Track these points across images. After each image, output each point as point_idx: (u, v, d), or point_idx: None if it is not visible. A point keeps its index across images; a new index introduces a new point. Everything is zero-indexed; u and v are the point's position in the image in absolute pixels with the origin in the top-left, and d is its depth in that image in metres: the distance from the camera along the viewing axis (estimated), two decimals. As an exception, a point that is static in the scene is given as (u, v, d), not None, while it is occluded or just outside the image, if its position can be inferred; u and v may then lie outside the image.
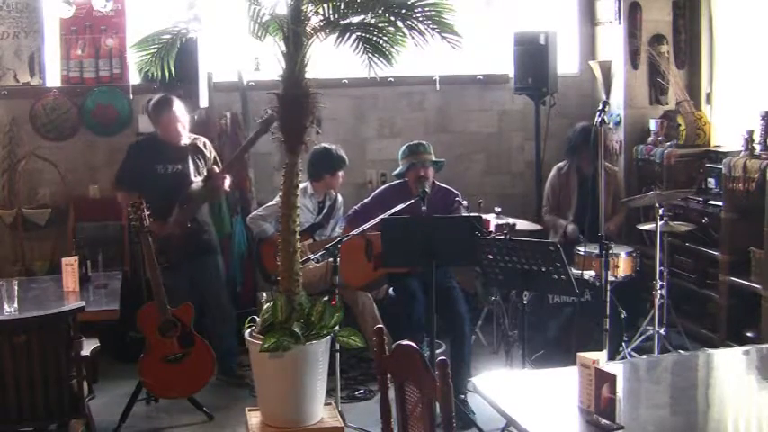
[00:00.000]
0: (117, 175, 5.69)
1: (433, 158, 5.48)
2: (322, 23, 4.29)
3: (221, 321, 5.61)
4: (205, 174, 5.50)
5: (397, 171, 5.55)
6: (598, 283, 5.28)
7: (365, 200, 5.75)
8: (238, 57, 6.35)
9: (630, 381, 3.21)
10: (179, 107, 5.47)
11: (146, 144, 5.64)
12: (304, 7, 4.24)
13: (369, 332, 5.03)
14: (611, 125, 6.70)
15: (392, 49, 4.32)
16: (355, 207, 5.70)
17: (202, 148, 5.59)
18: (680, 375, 3.41)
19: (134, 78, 6.34)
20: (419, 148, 5.46)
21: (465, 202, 5.51)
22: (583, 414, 2.83)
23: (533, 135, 6.79)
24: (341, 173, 5.84)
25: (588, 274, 5.39)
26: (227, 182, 5.52)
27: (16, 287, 4.33)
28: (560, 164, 6.19)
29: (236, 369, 5.65)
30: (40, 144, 6.35)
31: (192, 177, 5.48)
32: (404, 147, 5.56)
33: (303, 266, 4.53)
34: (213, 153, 5.68)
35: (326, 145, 5.79)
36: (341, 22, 4.27)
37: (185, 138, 5.52)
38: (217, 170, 5.52)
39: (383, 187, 5.87)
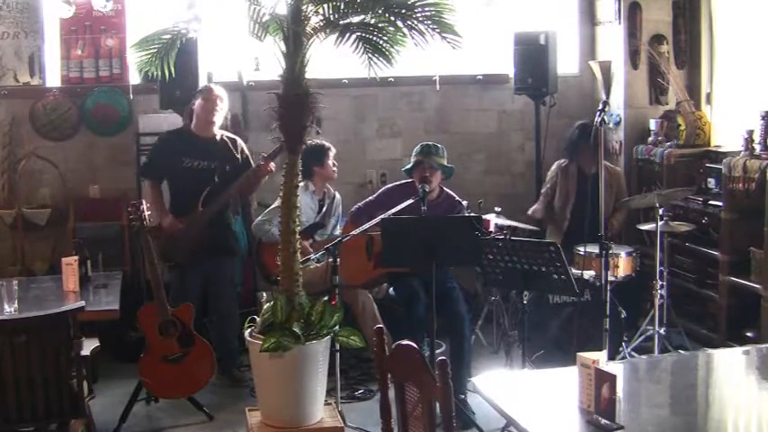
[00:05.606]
0: (144, 164, 5.66)
1: (444, 162, 5.42)
2: (322, 23, 4.29)
3: (225, 324, 5.58)
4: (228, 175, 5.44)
5: (405, 167, 5.51)
6: (598, 283, 5.28)
7: (370, 197, 5.73)
8: (238, 57, 6.35)
9: (630, 381, 3.20)
10: (222, 94, 5.45)
11: (176, 135, 5.60)
12: (304, 7, 4.25)
13: (369, 332, 5.02)
14: (611, 125, 6.70)
15: (392, 49, 4.32)
16: (359, 204, 5.67)
17: (233, 149, 5.51)
18: (680, 375, 3.41)
19: (134, 78, 6.32)
20: (431, 149, 5.41)
21: (465, 203, 5.51)
22: (583, 414, 2.83)
23: (533, 135, 6.79)
24: (330, 161, 5.73)
25: (588, 274, 5.39)
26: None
27: (16, 287, 4.33)
28: (560, 160, 6.16)
29: (234, 370, 5.62)
30: (40, 144, 6.34)
31: (216, 178, 5.42)
32: (418, 145, 5.51)
33: (303, 266, 4.54)
34: (246, 154, 5.58)
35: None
36: (341, 22, 4.28)
37: (216, 130, 5.48)
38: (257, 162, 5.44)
39: (389, 186, 5.82)
